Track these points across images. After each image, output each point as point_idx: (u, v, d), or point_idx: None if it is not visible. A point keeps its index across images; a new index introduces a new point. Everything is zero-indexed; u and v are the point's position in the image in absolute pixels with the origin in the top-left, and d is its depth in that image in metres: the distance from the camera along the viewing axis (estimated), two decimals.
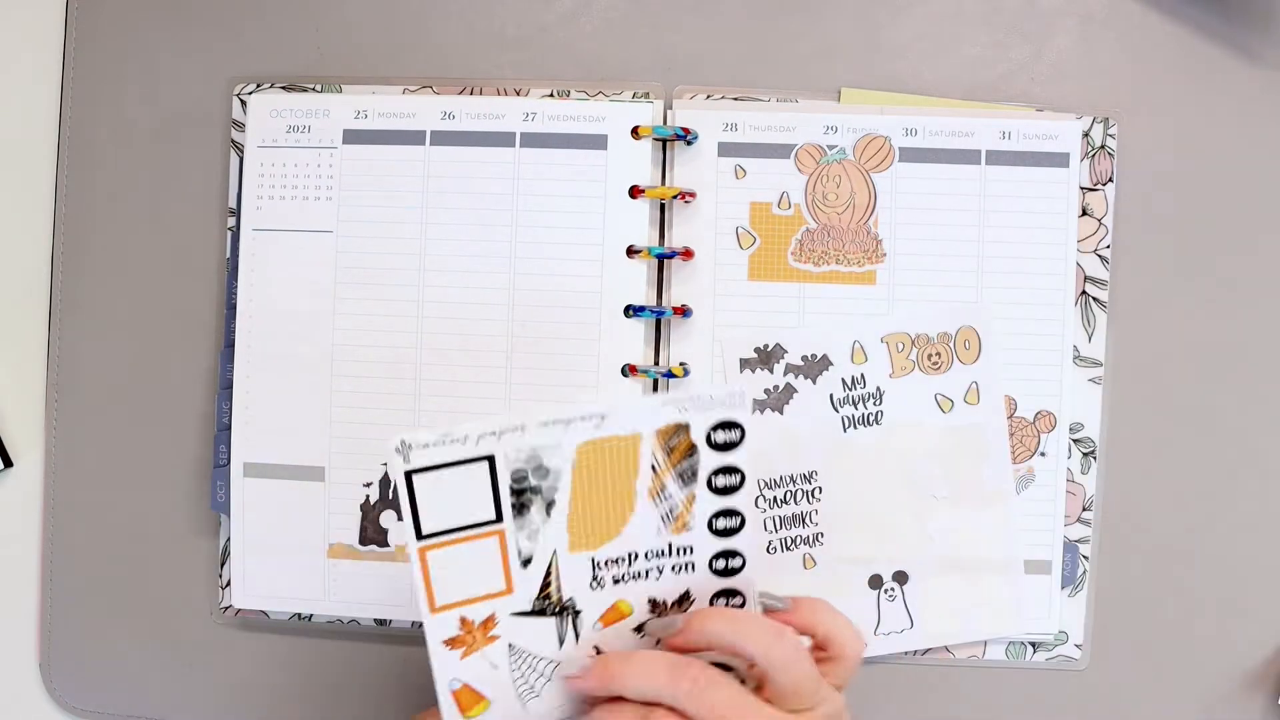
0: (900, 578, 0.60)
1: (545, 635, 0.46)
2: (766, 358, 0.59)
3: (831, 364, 0.59)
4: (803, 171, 0.60)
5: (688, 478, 0.46)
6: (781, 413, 0.60)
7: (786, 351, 0.59)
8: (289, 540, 0.61)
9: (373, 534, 0.61)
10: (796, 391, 0.59)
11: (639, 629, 0.48)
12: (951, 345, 0.59)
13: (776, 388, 0.59)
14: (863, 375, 0.59)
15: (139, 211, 0.63)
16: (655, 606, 0.47)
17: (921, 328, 0.59)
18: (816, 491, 0.60)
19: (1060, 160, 0.60)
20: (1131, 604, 0.61)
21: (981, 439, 0.60)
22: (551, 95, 0.61)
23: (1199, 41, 0.61)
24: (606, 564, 0.46)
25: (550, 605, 0.46)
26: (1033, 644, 0.61)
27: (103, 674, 0.64)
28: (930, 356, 0.59)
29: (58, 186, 0.64)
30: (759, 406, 0.59)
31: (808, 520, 0.60)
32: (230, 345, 0.61)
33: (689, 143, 0.60)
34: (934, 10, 0.61)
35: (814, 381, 0.59)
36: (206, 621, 0.63)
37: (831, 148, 0.60)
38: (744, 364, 0.59)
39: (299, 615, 0.62)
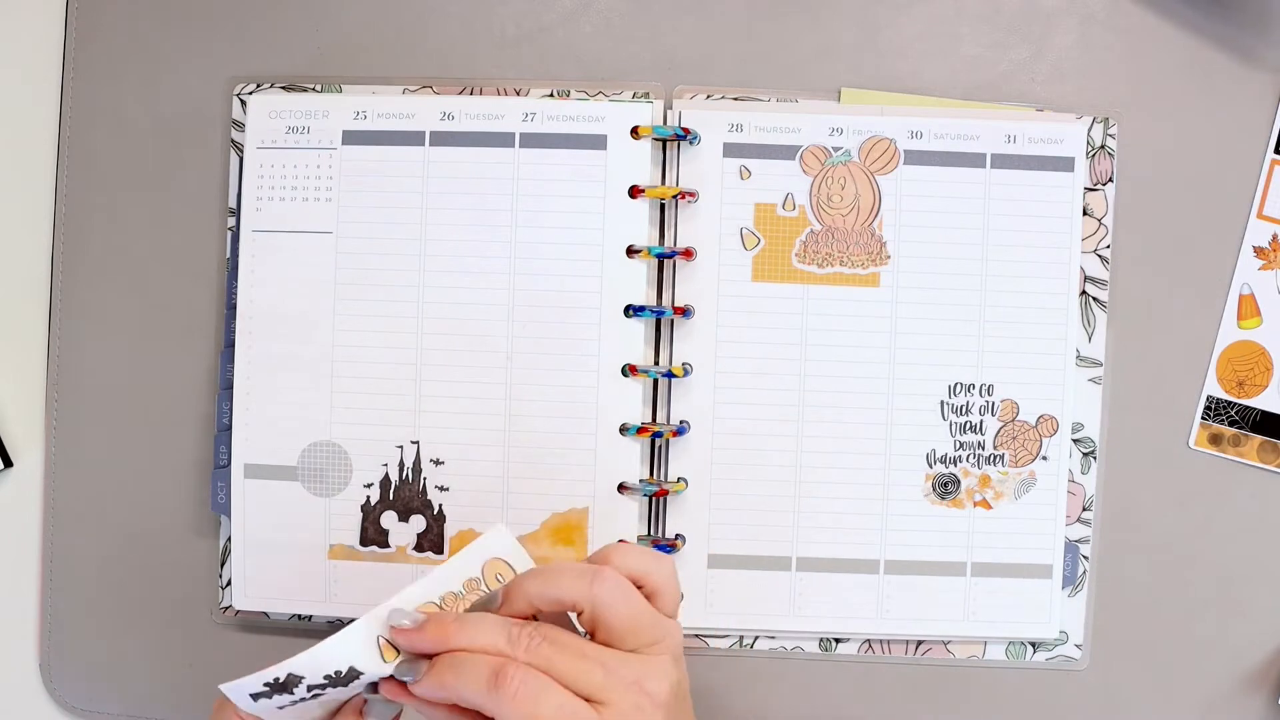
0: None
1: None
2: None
3: (360, 673, 0.45)
4: (808, 173, 0.60)
5: None
6: None
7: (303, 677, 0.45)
8: (289, 541, 0.61)
9: (373, 535, 0.61)
10: None
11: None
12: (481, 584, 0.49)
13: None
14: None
15: (139, 211, 0.63)
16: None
17: (447, 587, 0.47)
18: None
19: (1065, 165, 0.60)
20: (1131, 604, 0.61)
21: None
22: (551, 95, 0.61)
23: (1199, 41, 0.61)
24: None
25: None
26: (1033, 644, 0.61)
27: (103, 674, 0.64)
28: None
29: (58, 186, 0.63)
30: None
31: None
32: (230, 345, 0.61)
33: (691, 143, 0.60)
34: (934, 10, 0.61)
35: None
36: (206, 622, 0.63)
37: (837, 149, 0.60)
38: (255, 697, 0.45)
39: (299, 616, 0.62)
